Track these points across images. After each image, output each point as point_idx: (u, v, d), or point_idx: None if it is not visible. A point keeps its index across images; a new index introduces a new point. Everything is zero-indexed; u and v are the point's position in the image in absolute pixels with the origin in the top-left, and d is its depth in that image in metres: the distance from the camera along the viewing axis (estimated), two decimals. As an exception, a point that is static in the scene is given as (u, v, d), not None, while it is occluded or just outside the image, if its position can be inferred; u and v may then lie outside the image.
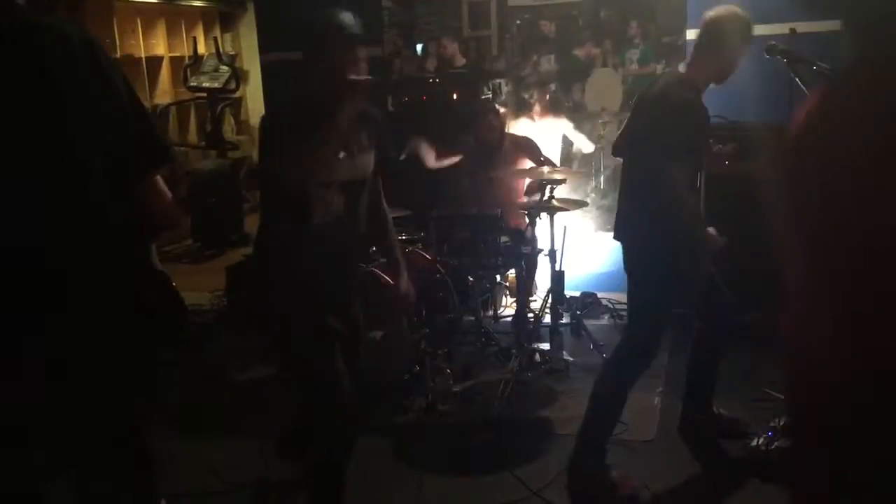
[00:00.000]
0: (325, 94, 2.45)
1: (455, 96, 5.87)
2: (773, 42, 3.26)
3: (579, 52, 6.81)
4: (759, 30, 4.53)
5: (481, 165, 4.71)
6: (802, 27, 4.34)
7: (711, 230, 3.02)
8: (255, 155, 8.64)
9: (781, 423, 3.30)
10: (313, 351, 2.59)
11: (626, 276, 3.25)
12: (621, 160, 3.37)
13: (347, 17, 2.55)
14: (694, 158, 3.02)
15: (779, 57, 3.20)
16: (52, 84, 1.76)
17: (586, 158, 6.70)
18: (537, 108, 6.12)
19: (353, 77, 2.47)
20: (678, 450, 3.46)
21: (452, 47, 6.85)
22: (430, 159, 4.77)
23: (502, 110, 5.20)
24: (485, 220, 4.15)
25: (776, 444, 3.19)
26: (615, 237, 3.27)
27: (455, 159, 4.83)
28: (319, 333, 2.57)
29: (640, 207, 3.10)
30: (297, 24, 5.65)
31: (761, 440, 3.25)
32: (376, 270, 3.94)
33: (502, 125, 4.88)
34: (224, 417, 3.96)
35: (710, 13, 3.08)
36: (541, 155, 4.83)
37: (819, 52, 3.69)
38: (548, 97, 6.48)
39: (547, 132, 5.77)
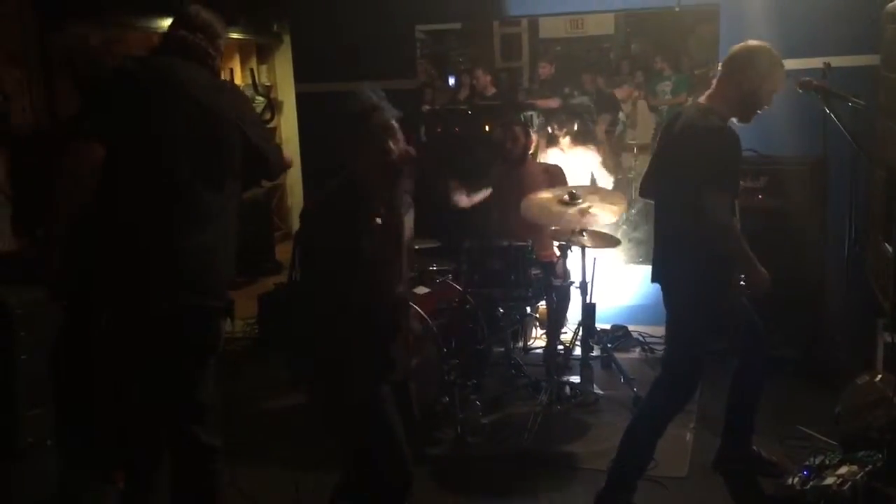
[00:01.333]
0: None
1: (487, 128, 5.91)
2: (808, 77, 3.25)
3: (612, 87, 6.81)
4: (793, 64, 4.55)
5: (513, 195, 4.71)
6: (837, 61, 4.33)
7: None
8: (287, 184, 8.76)
9: (817, 462, 3.25)
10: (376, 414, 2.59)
11: (657, 310, 3.25)
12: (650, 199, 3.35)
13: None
14: (732, 186, 3.01)
15: (813, 92, 3.19)
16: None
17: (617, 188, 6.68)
18: (567, 139, 6.12)
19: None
20: (710, 487, 3.41)
21: (485, 79, 6.90)
22: (463, 199, 4.78)
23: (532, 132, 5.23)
24: (515, 251, 4.15)
25: (811, 483, 3.13)
26: (653, 280, 3.23)
27: (486, 193, 4.85)
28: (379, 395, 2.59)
29: (680, 241, 3.07)
30: (331, 56, 5.77)
31: (796, 479, 3.18)
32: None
33: (527, 139, 4.88)
34: (256, 445, 3.98)
35: (737, 45, 3.07)
36: (567, 184, 4.81)
37: (853, 87, 3.69)
38: (576, 128, 6.50)
39: (577, 163, 5.77)
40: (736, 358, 3.43)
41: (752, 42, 3.05)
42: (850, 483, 3.04)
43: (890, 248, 3.75)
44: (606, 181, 5.97)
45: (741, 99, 3.02)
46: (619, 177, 6.82)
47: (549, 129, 6.18)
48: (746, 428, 3.46)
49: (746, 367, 3.41)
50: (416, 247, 4.36)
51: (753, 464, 3.46)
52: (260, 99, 7.24)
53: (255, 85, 7.28)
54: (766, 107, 3.07)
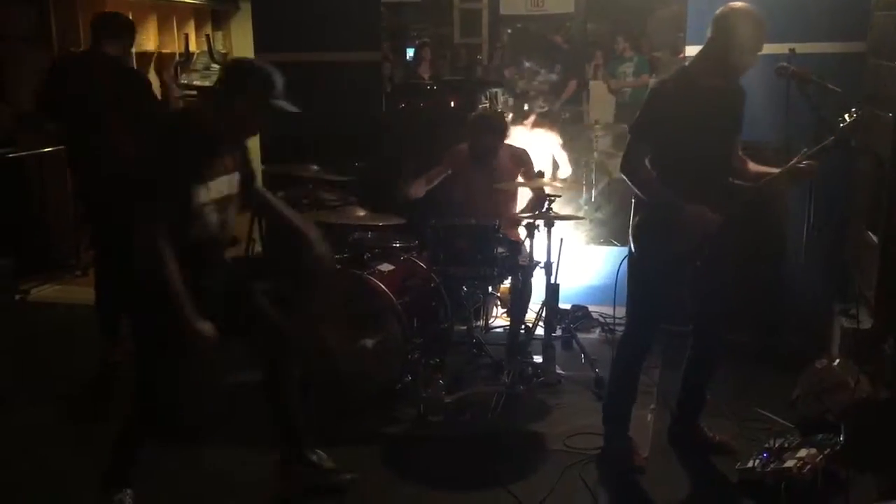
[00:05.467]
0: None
1: (452, 104, 5.83)
2: (785, 63, 3.26)
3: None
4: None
5: (478, 175, 4.66)
6: (801, 48, 4.34)
7: (700, 207, 3.08)
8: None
9: (776, 445, 3.29)
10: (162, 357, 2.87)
11: (617, 290, 3.49)
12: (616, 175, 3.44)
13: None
14: (675, 147, 3.09)
15: (788, 78, 3.20)
16: None
17: (578, 172, 6.66)
18: (531, 118, 6.08)
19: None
20: (670, 468, 3.44)
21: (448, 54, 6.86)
22: (418, 190, 4.69)
23: (507, 120, 5.12)
24: (482, 230, 4.11)
25: (771, 465, 3.17)
26: None
27: (441, 175, 4.77)
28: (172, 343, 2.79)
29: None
30: (293, 25, 5.64)
31: (756, 461, 3.23)
32: (372, 278, 3.91)
33: (496, 143, 4.72)
34: (218, 420, 3.90)
35: (722, 6, 3.15)
36: (534, 169, 4.79)
37: (818, 73, 3.71)
38: (542, 109, 6.47)
39: (539, 144, 5.74)
40: (693, 339, 3.52)
41: (735, 4, 3.14)
42: (809, 466, 3.09)
43: (874, 237, 3.79)
44: (563, 164, 5.95)
45: (719, 58, 3.12)
46: (586, 159, 6.82)
47: (525, 107, 6.13)
48: (694, 406, 3.57)
49: (699, 347, 3.51)
50: (381, 223, 4.28)
51: (700, 441, 3.54)
52: (216, 67, 7.06)
53: (211, 52, 7.09)
54: (748, 67, 3.17)
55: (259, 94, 2.81)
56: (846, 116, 3.13)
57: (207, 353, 2.81)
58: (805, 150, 3.20)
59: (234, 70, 3.00)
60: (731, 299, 3.47)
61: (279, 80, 2.87)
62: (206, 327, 2.76)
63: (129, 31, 4.48)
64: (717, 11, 3.15)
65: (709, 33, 3.16)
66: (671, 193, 3.09)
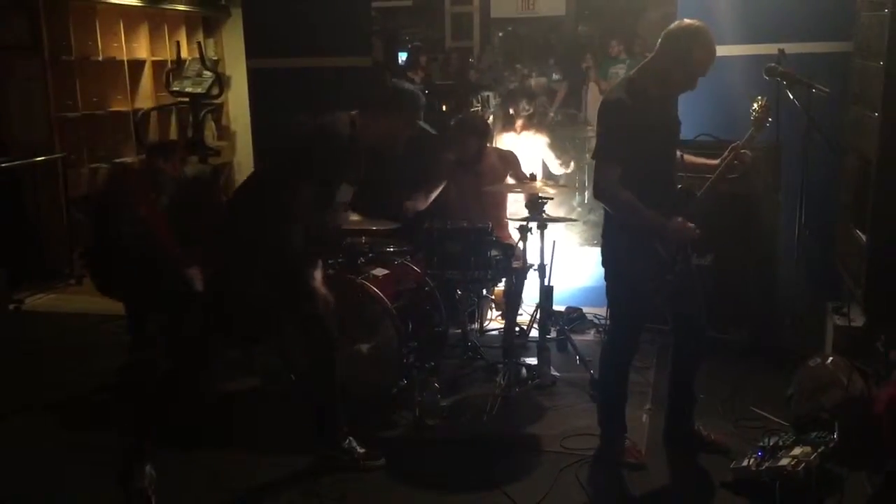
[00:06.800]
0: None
1: (444, 108, 5.83)
2: (773, 64, 3.28)
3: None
4: (749, 49, 4.60)
5: (467, 178, 4.68)
6: (790, 48, 4.37)
7: (679, 220, 3.09)
8: (235, 161, 8.59)
9: (770, 443, 3.31)
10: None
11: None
12: None
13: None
14: (638, 159, 3.05)
15: (777, 78, 3.22)
16: None
17: (571, 174, 6.67)
18: (519, 122, 6.07)
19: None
20: (666, 468, 3.45)
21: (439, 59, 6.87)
22: (420, 204, 4.71)
23: (489, 120, 5.14)
24: (475, 233, 4.12)
25: (766, 464, 3.18)
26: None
27: (441, 186, 4.79)
28: None
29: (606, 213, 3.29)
30: (283, 32, 5.63)
31: (751, 460, 3.24)
32: (366, 283, 3.91)
33: (481, 145, 4.79)
34: (215, 426, 3.90)
35: (676, 22, 3.13)
36: (522, 170, 4.81)
37: (806, 74, 3.74)
38: (531, 110, 6.46)
39: (528, 147, 5.74)
40: (674, 337, 3.53)
41: (690, 22, 3.10)
42: (804, 464, 3.10)
43: (862, 235, 3.81)
44: (553, 165, 5.95)
45: (665, 73, 3.09)
46: (579, 161, 6.81)
47: (510, 111, 6.12)
48: (685, 404, 3.57)
49: (681, 346, 3.51)
50: (375, 227, 4.29)
51: (694, 440, 3.55)
52: (208, 74, 7.05)
53: (202, 59, 7.08)
54: (688, 89, 3.14)
55: (412, 112, 3.31)
56: (755, 105, 3.16)
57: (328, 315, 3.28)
58: (735, 143, 3.21)
59: (389, 90, 3.44)
60: (707, 296, 3.48)
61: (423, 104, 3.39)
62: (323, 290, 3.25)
63: (179, 151, 5.32)
64: (673, 26, 3.11)
65: (659, 45, 3.12)
66: (651, 211, 3.08)
